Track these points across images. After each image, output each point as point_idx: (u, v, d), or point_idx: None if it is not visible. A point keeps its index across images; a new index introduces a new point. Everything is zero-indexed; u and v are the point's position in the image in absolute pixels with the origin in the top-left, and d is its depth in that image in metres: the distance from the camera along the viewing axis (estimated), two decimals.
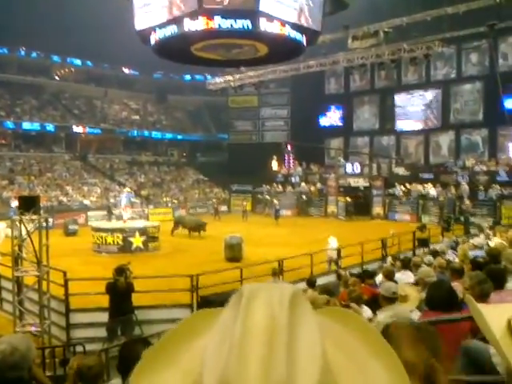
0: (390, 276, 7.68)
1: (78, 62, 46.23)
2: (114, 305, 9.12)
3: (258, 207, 34.90)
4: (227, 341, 0.61)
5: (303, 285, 9.24)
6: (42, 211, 15.98)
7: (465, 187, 27.59)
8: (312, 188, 34.21)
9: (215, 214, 31.23)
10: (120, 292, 9.06)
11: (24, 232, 9.67)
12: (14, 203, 21.16)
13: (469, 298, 1.07)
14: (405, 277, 8.02)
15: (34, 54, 43.20)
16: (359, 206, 31.06)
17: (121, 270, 9.34)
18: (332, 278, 11.51)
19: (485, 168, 29.14)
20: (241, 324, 0.62)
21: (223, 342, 0.62)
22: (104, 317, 9.24)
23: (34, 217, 9.71)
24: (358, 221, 28.29)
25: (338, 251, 14.40)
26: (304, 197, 33.42)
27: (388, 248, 15.32)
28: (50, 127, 39.02)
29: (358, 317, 0.73)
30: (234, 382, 0.58)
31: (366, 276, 8.63)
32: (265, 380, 0.57)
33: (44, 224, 9.98)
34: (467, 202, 25.63)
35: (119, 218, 22.03)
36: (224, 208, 36.39)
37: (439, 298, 3.80)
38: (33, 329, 9.62)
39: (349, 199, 30.49)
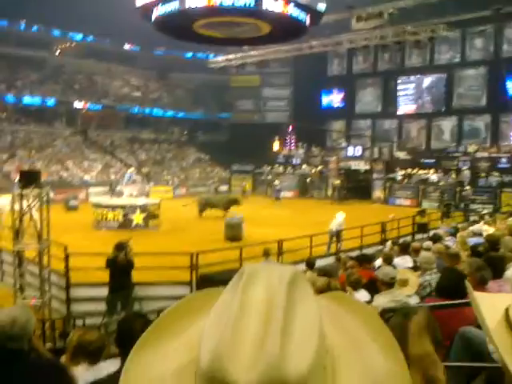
0: (388, 260, 7.73)
1: (79, 36, 45.75)
2: (113, 280, 9.19)
3: (261, 188, 34.87)
4: (225, 316, 0.63)
5: (302, 266, 9.31)
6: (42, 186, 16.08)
7: (466, 173, 27.60)
8: (313, 170, 34.20)
9: (214, 194, 31.13)
10: (120, 268, 9.12)
11: (25, 206, 9.70)
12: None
13: (468, 285, 1.08)
14: (403, 261, 8.07)
15: (34, 28, 42.69)
16: (359, 189, 31.12)
17: (121, 246, 9.38)
18: (331, 260, 11.58)
19: (486, 154, 29.11)
20: (239, 300, 0.63)
21: (221, 318, 0.64)
22: (104, 292, 9.32)
23: (35, 191, 9.73)
24: (349, 204, 28.30)
25: (338, 233, 14.48)
26: (308, 180, 33.30)
27: (387, 232, 15.38)
28: (51, 102, 38.78)
29: (360, 302, 0.75)
30: (227, 358, 0.60)
31: (365, 260, 8.68)
32: (256, 359, 0.59)
33: (45, 198, 9.99)
34: (468, 188, 25.65)
35: (119, 195, 22.07)
36: (224, 188, 36.45)
37: (450, 285, 3.79)
38: (33, 301, 9.71)
39: (337, 182, 30.54)
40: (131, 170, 25.81)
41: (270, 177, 33.75)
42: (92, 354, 3.92)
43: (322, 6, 20.22)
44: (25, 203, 9.59)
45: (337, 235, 14.50)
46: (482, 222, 13.04)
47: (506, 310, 0.89)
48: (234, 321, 0.61)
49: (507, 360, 0.82)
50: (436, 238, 10.46)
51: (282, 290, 0.63)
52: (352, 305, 0.73)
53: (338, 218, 14.94)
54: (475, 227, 11.58)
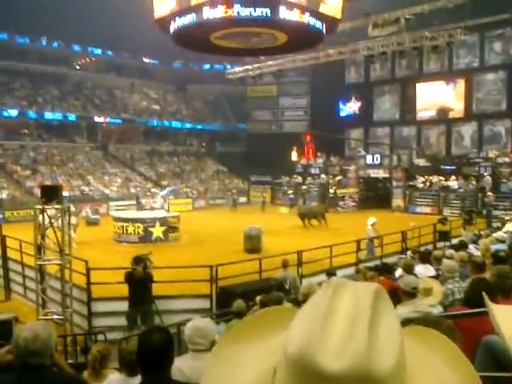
0: (408, 269, 7.61)
1: (98, 51, 46.54)
2: (132, 294, 9.21)
3: (280, 199, 34.86)
4: (314, 315, 0.67)
5: (323, 276, 9.23)
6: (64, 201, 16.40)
7: (487, 179, 27.17)
8: (331, 180, 33.88)
9: (233, 205, 31.39)
10: (137, 281, 9.13)
11: (47, 221, 9.84)
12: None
13: (484, 295, 1.11)
14: (425, 270, 7.94)
15: (55, 44, 43.58)
16: (378, 197, 30.87)
17: (139, 260, 9.41)
18: (351, 270, 11.47)
19: (508, 160, 28.64)
20: (327, 303, 0.67)
21: (310, 316, 0.67)
22: (125, 306, 9.34)
23: (57, 206, 9.86)
24: (369, 212, 28.04)
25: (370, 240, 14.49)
26: (331, 191, 33.03)
27: (408, 241, 15.18)
28: (72, 117, 39.43)
29: (439, 334, 0.77)
30: (316, 347, 0.63)
31: (385, 269, 8.58)
32: (344, 350, 0.62)
33: (66, 214, 10.12)
34: (490, 194, 25.24)
35: (143, 207, 22.37)
36: (243, 199, 36.52)
37: (478, 295, 3.71)
38: (55, 317, 9.81)
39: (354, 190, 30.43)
40: (166, 183, 26.23)
41: (305, 187, 33.67)
42: (131, 364, 3.92)
43: (338, 14, 20.21)
44: (46, 218, 9.71)
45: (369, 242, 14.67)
46: (504, 229, 12.78)
47: None
48: (324, 318, 0.65)
49: None
50: (459, 246, 10.30)
51: (368, 299, 0.67)
52: (428, 336, 0.76)
53: (369, 222, 15.23)
54: (498, 234, 11.37)
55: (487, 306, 1.00)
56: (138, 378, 3.75)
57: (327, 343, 0.63)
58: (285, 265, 10.14)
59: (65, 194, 20.23)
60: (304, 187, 33.41)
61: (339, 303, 0.67)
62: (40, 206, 9.83)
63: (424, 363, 0.70)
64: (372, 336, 0.63)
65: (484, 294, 1.06)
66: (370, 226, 15.22)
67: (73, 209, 17.54)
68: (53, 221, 9.90)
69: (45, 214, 9.83)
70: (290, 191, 32.62)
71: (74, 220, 16.90)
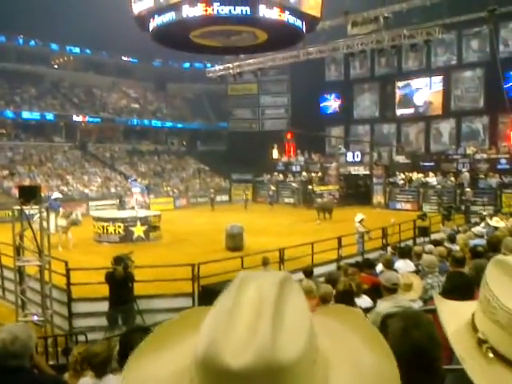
0: (388, 265, 7.71)
1: (76, 50, 46.02)
2: (113, 294, 9.13)
3: (261, 197, 34.93)
4: (220, 313, 0.66)
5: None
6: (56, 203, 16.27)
7: (466, 175, 27.58)
8: (313, 175, 34.07)
9: (211, 205, 31.01)
10: (118, 281, 9.07)
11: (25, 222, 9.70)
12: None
13: (435, 294, 1.11)
14: (405, 265, 8.04)
15: (32, 43, 42.97)
16: (359, 194, 31.12)
17: (119, 259, 9.34)
18: (332, 267, 11.54)
19: (485, 156, 29.10)
20: (233, 298, 0.67)
21: (216, 314, 0.67)
22: (105, 306, 9.27)
23: (35, 207, 9.73)
24: (349, 209, 28.29)
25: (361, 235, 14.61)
26: (310, 187, 33.22)
27: (389, 237, 15.33)
28: (50, 116, 38.93)
29: (358, 313, 0.76)
30: (220, 344, 0.62)
31: (366, 265, 8.66)
32: (248, 344, 0.61)
33: (45, 214, 9.99)
34: (468, 190, 25.62)
35: (127, 207, 22.21)
36: (225, 198, 36.53)
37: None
38: (35, 318, 9.68)
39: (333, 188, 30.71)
40: (133, 178, 25.93)
41: (294, 184, 33.70)
42: (98, 367, 3.90)
43: (317, 13, 20.30)
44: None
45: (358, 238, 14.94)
46: (483, 224, 12.98)
47: (473, 315, 0.90)
48: (228, 314, 0.65)
49: (468, 364, 0.83)
50: (437, 242, 10.44)
51: (273, 288, 0.67)
52: (347, 315, 0.74)
53: (357, 219, 15.53)
54: (476, 229, 11.55)
55: (435, 301, 1.00)
56: (107, 380, 3.72)
57: (231, 339, 0.62)
58: (265, 262, 10.16)
59: (57, 195, 19.95)
60: (294, 184, 33.44)
61: (244, 297, 0.66)
62: (18, 207, 9.68)
63: (341, 343, 0.70)
64: (276, 326, 0.62)
65: (435, 293, 1.06)
66: (358, 223, 15.44)
67: (62, 211, 17.45)
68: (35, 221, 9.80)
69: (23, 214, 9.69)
70: (272, 187, 32.96)
71: (63, 222, 16.77)
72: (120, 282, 9.05)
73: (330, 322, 0.73)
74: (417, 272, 7.20)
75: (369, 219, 16.41)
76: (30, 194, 9.72)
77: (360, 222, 15.41)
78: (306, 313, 0.67)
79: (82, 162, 37.77)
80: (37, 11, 35.84)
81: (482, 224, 13.03)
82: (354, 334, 0.71)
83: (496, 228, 10.86)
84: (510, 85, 29.60)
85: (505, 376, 0.80)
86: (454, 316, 0.93)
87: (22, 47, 42.30)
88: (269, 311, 0.64)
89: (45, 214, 9.93)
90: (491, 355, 0.82)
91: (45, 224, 12.47)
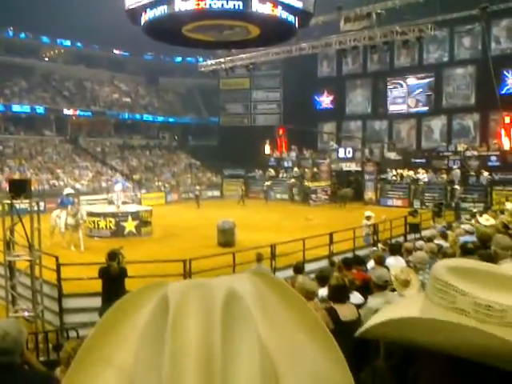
0: (380, 261, 7.74)
1: (67, 43, 45.65)
2: (106, 290, 9.10)
3: (253, 192, 34.93)
4: (155, 368, 0.54)
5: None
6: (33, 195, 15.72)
7: (456, 172, 27.74)
8: (306, 170, 34.13)
9: (196, 202, 30.01)
10: (113, 277, 9.04)
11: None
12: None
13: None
14: (396, 262, 8.08)
15: (22, 35, 42.56)
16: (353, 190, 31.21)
17: (114, 255, 9.30)
18: (323, 263, 11.58)
19: (476, 153, 29.28)
20: (170, 352, 0.54)
21: (152, 366, 0.55)
22: (97, 302, 9.24)
23: (25, 201, 9.66)
24: (341, 205, 28.56)
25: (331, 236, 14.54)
26: (293, 181, 33.36)
27: (380, 233, 15.39)
28: (40, 109, 38.62)
29: (285, 284, 0.67)
30: None
31: (357, 262, 8.68)
32: None
33: (35, 208, 9.93)
34: (457, 187, 25.80)
35: (112, 203, 22.02)
36: (216, 193, 36.52)
37: None
38: (25, 314, 9.63)
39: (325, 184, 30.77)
40: (118, 175, 25.81)
41: (267, 183, 33.69)
42: None
43: (310, 8, 20.29)
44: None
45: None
46: (473, 221, 13.06)
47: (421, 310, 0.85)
48: (170, 379, 0.53)
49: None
50: (428, 238, 10.50)
51: (216, 328, 0.55)
52: (277, 286, 0.65)
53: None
54: (467, 226, 11.62)
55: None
56: None
57: None
58: (259, 259, 10.17)
59: (69, 190, 19.27)
60: (293, 180, 33.34)
61: (183, 348, 0.53)
62: (8, 201, 9.61)
63: (291, 348, 0.61)
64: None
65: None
66: (365, 220, 15.77)
67: (70, 208, 16.58)
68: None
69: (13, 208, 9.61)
70: (267, 183, 33.26)
71: (72, 221, 16.13)
72: (114, 278, 9.03)
73: (266, 295, 0.64)
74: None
75: (360, 216, 16.50)
76: (20, 188, 9.65)
77: (367, 218, 15.65)
78: (258, 349, 0.56)
79: (73, 155, 37.53)
80: (27, 3, 35.52)
81: (473, 221, 13.12)
82: (301, 331, 0.63)
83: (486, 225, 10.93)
84: (501, 82, 29.80)
85: None
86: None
87: (12, 39, 41.91)
88: (217, 370, 0.52)
89: (35, 209, 9.86)
90: None
91: (58, 221, 12.43)
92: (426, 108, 35.13)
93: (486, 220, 11.63)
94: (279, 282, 0.66)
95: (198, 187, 32.61)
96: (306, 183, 31.08)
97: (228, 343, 0.55)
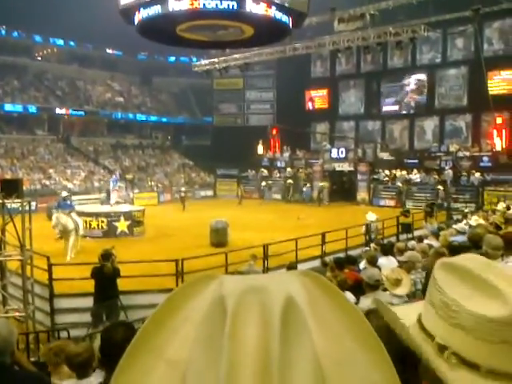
0: (372, 261, 7.75)
1: (60, 42, 45.42)
2: (99, 290, 9.08)
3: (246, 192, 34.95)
4: (211, 370, 0.55)
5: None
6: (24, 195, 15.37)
7: (448, 172, 27.86)
8: (301, 170, 34.12)
9: (182, 204, 28.62)
10: (106, 277, 9.02)
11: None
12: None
13: (378, 300, 1.06)
14: (388, 262, 8.10)
15: (15, 34, 42.29)
16: (343, 190, 31.30)
17: (107, 255, 9.29)
18: (316, 263, 11.59)
19: (468, 154, 29.41)
20: (228, 359, 0.54)
21: (208, 368, 0.56)
22: (88, 302, 9.22)
23: (17, 200, 9.61)
24: (338, 206, 28.56)
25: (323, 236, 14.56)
26: (288, 182, 33.33)
27: (372, 233, 15.44)
28: (33, 109, 38.41)
29: (335, 288, 0.67)
30: None
31: (349, 262, 8.69)
32: None
33: (27, 208, 9.88)
34: (439, 187, 25.94)
35: (104, 202, 21.95)
36: (209, 193, 36.50)
37: None
38: (16, 314, 9.57)
39: (325, 184, 30.78)
40: (115, 175, 25.68)
41: (291, 181, 33.66)
42: (79, 367, 3.86)
43: (304, 9, 20.32)
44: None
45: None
46: (465, 221, 13.14)
47: (419, 315, 0.89)
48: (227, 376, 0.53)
49: (434, 361, 0.82)
50: (420, 238, 10.54)
51: (276, 335, 0.55)
52: (328, 289, 0.65)
53: (369, 217, 16.01)
54: (458, 226, 11.67)
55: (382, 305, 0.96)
56: (89, 380, 3.69)
57: None
58: (254, 258, 10.23)
59: (65, 193, 18.65)
60: (289, 181, 33.28)
61: (242, 352, 0.54)
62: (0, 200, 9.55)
63: (333, 338, 0.61)
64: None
65: (381, 303, 1.03)
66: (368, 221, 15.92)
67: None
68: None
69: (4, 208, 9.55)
70: (263, 183, 33.55)
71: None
72: (108, 278, 9.01)
73: (325, 313, 0.63)
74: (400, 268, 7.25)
75: (352, 216, 16.54)
76: (12, 188, 9.60)
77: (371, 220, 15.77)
78: (314, 360, 0.56)
79: (65, 155, 37.37)
80: (20, 2, 35.30)
81: (464, 221, 13.19)
82: (353, 340, 0.63)
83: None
84: (493, 83, 29.97)
85: (473, 380, 0.79)
86: (405, 318, 0.90)
87: (5, 38, 41.56)
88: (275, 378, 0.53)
89: (27, 208, 9.80)
90: (454, 361, 0.80)
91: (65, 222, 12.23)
92: (419, 109, 35.25)
93: (475, 221, 11.70)
94: (330, 285, 0.65)
95: (183, 188, 31.37)
96: (322, 183, 30.72)
97: (285, 354, 0.55)
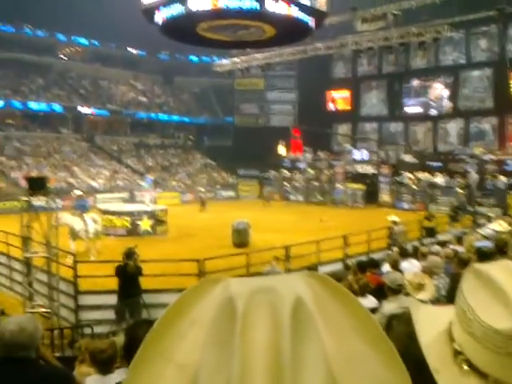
0: (395, 265, 7.71)
1: (84, 41, 45.98)
2: (123, 288, 9.20)
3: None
4: (223, 372, 0.56)
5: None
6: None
7: (473, 176, 27.34)
8: (326, 173, 33.90)
9: (201, 205, 27.92)
10: (129, 275, 9.15)
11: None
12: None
13: (411, 300, 1.07)
14: (410, 266, 8.04)
15: (39, 33, 42.94)
16: (366, 193, 31.05)
17: (130, 254, 9.41)
18: (338, 265, 11.56)
19: (493, 157, 28.86)
20: (240, 360, 0.55)
21: (219, 370, 0.56)
22: (112, 299, 9.33)
23: (43, 198, 9.77)
24: (361, 208, 28.40)
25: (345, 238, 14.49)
26: (314, 183, 33.13)
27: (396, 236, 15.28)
28: (57, 107, 38.97)
29: (343, 288, 0.67)
30: None
31: (371, 265, 8.64)
32: None
33: (53, 205, 10.04)
34: (459, 190, 25.48)
35: (141, 201, 22.06)
36: (231, 193, 36.53)
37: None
38: (42, 310, 9.75)
39: (362, 187, 30.51)
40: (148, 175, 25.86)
41: (286, 182, 33.70)
42: (103, 363, 3.93)
43: (325, 8, 20.27)
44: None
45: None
46: (490, 226, 12.91)
47: (450, 323, 0.88)
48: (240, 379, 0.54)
49: (441, 376, 0.82)
50: (443, 243, 10.42)
51: (286, 336, 0.56)
52: (335, 290, 0.65)
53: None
54: (484, 230, 11.49)
55: (410, 309, 0.96)
56: (113, 377, 3.75)
57: None
58: (276, 259, 10.27)
59: (78, 192, 17.68)
60: (314, 182, 33.23)
61: (253, 354, 0.54)
62: (26, 198, 9.73)
63: (352, 356, 0.61)
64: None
65: (411, 300, 1.04)
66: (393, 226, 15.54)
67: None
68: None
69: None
70: (285, 183, 33.66)
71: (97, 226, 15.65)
72: (131, 276, 9.12)
73: (333, 314, 0.63)
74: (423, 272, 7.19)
75: (375, 218, 16.39)
76: (38, 185, 9.78)
77: (394, 223, 15.45)
78: (324, 360, 0.57)
79: (89, 154, 37.85)
80: (45, 1, 35.85)
81: (489, 225, 12.96)
82: (361, 341, 0.63)
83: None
84: None
85: None
86: (430, 324, 0.90)
87: (30, 37, 42.22)
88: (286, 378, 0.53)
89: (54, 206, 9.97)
90: (466, 367, 0.81)
91: (67, 219, 12.36)
92: (443, 110, 34.79)
93: (499, 225, 11.49)
94: (337, 286, 0.66)
95: (202, 189, 30.80)
96: (356, 186, 30.18)
97: (296, 354, 0.56)
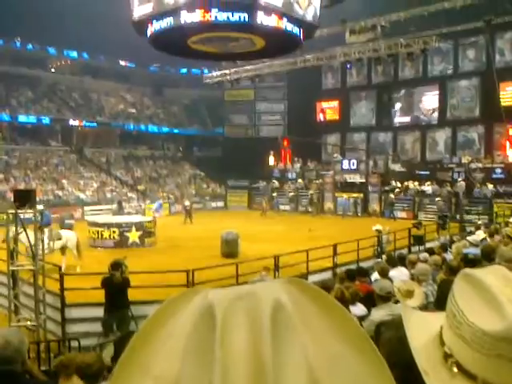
0: (384, 273, 7.70)
1: (74, 54, 45.96)
2: (109, 300, 9.11)
3: (257, 204, 34.90)
4: (205, 377, 0.55)
5: None
6: (37, 205, 15.08)
7: (461, 184, 27.61)
8: (315, 183, 33.96)
9: (186, 217, 27.15)
10: (116, 287, 9.05)
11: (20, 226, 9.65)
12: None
13: (403, 304, 1.08)
14: (399, 273, 8.05)
15: (29, 46, 42.86)
16: (356, 203, 31.14)
17: (117, 265, 9.32)
18: (328, 274, 11.54)
19: (480, 165, 29.17)
20: (220, 366, 0.54)
21: (200, 379, 0.55)
22: (99, 312, 9.23)
23: (29, 211, 9.68)
24: (349, 218, 28.43)
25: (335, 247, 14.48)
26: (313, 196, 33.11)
27: (384, 245, 15.34)
28: (46, 120, 38.80)
29: (322, 292, 0.67)
30: None
31: (360, 273, 8.64)
32: None
33: (39, 218, 9.95)
34: (438, 199, 25.70)
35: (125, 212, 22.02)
36: (220, 204, 36.51)
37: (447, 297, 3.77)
38: (28, 323, 9.61)
39: (359, 195, 30.69)
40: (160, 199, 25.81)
41: (275, 193, 33.76)
42: (91, 377, 3.87)
43: (315, 20, 20.40)
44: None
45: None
46: (477, 233, 12.99)
47: (441, 328, 0.89)
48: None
49: (430, 379, 0.83)
50: (432, 250, 10.45)
51: (266, 340, 0.56)
52: (313, 294, 0.65)
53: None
54: (471, 238, 11.55)
55: (402, 313, 0.97)
56: None
57: None
58: (266, 269, 10.23)
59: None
60: (311, 191, 33.00)
61: (234, 357, 0.54)
62: (12, 211, 9.63)
63: (323, 345, 0.61)
64: None
65: (402, 304, 1.05)
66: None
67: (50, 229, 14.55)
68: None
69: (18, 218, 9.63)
70: (274, 195, 33.66)
71: (57, 244, 15.64)
72: (117, 288, 9.02)
73: (312, 318, 0.63)
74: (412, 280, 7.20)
75: (364, 227, 16.43)
76: (25, 198, 9.68)
77: (378, 232, 15.75)
78: (304, 362, 0.57)
79: (78, 166, 37.69)
80: (34, 15, 35.85)
81: (477, 233, 13.03)
82: (342, 341, 0.62)
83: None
84: (505, 94, 29.80)
85: None
86: (421, 329, 0.92)
87: (19, 50, 42.15)
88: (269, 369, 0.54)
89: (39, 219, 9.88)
90: (455, 370, 0.82)
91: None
92: (431, 120, 35.11)
93: (481, 235, 11.52)
94: (315, 290, 0.65)
95: (187, 202, 29.09)
96: (392, 195, 29.54)
97: (277, 357, 0.55)
